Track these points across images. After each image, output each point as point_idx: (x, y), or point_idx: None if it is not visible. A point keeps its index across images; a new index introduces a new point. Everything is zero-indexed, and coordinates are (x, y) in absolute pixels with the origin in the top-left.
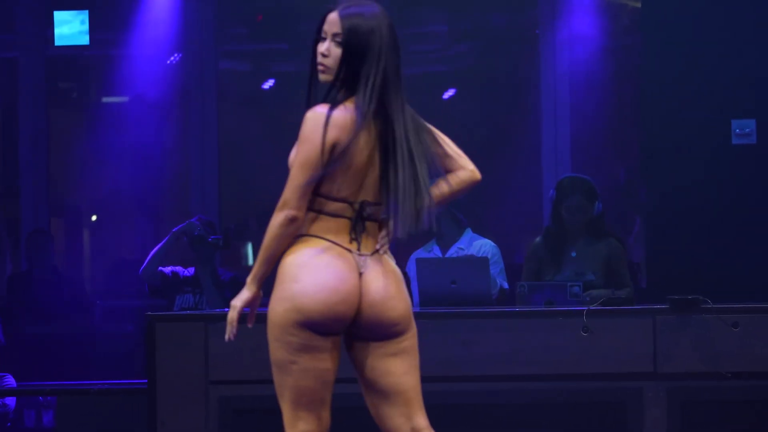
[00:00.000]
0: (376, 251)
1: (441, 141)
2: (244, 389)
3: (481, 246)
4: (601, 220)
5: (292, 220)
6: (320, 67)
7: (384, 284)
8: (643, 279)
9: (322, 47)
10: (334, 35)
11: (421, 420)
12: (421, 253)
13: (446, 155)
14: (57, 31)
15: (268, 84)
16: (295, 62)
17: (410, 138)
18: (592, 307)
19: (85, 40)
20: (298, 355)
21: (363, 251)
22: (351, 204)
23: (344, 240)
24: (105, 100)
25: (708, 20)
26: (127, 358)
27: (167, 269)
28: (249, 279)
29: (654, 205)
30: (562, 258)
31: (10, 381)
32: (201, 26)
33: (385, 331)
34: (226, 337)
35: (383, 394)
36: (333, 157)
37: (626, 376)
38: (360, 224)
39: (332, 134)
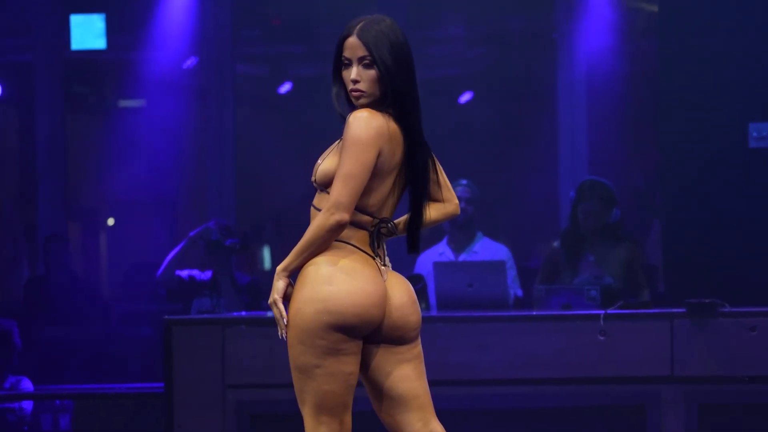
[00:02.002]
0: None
1: (437, 166)
2: (260, 393)
3: (496, 251)
4: (618, 226)
5: (343, 225)
6: (355, 94)
7: (404, 290)
8: (661, 282)
9: (352, 74)
10: (361, 59)
11: (437, 425)
12: (429, 254)
13: (438, 183)
14: (73, 35)
15: (285, 87)
16: (311, 66)
17: (428, 159)
18: (609, 311)
19: (101, 43)
20: (324, 359)
21: (386, 263)
22: (374, 218)
23: (368, 250)
24: (122, 103)
25: (725, 23)
26: (144, 361)
27: (184, 273)
28: (281, 269)
29: (671, 209)
30: (579, 261)
31: (27, 384)
32: (218, 30)
33: (406, 335)
34: (280, 334)
35: (400, 399)
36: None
37: (644, 380)
38: (378, 238)
39: (379, 140)
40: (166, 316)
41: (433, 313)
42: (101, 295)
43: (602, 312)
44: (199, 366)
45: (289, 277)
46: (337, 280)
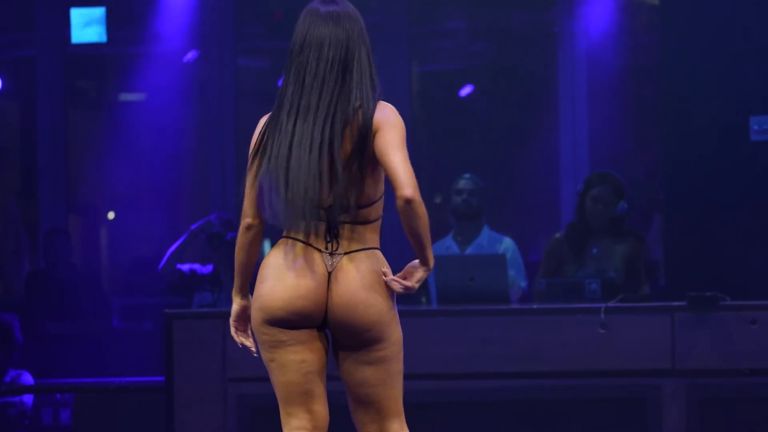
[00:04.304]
0: (354, 251)
1: (387, 154)
2: (262, 387)
3: (502, 244)
4: (624, 220)
5: (248, 228)
6: None
7: (353, 288)
8: (662, 276)
9: None
10: None
11: (395, 425)
12: (436, 249)
13: (389, 174)
14: (74, 28)
15: None
16: None
17: (333, 143)
18: (610, 304)
19: (102, 37)
20: (273, 352)
21: (338, 251)
22: (324, 209)
23: (316, 241)
24: (122, 97)
25: (727, 17)
26: (145, 355)
27: (185, 267)
28: (233, 293)
29: (673, 202)
30: (583, 254)
31: (28, 378)
32: (219, 23)
33: (356, 337)
34: (240, 345)
35: (357, 400)
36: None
37: (645, 373)
38: (333, 228)
39: (256, 141)
40: (167, 310)
41: (434, 306)
42: (102, 289)
43: (603, 305)
44: (200, 360)
45: (244, 294)
46: (267, 277)
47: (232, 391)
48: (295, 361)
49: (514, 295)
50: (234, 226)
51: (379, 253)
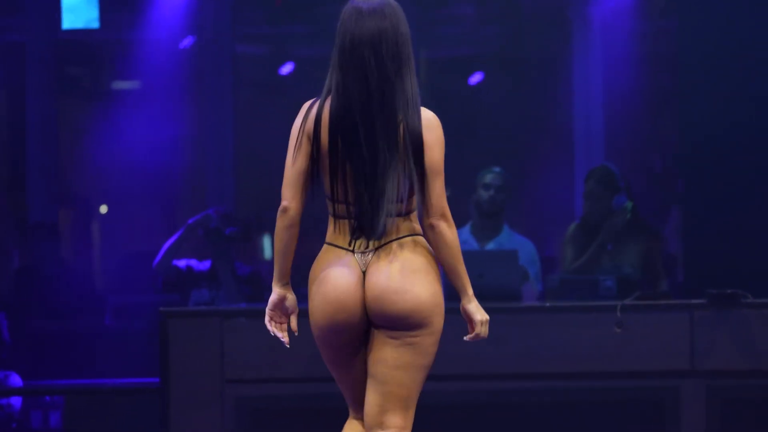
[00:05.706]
0: (389, 243)
1: (426, 178)
2: (260, 388)
3: (522, 245)
4: (633, 214)
5: (283, 211)
6: None
7: (386, 278)
8: (680, 272)
9: None
10: None
11: (396, 419)
12: None
13: (424, 197)
14: (65, 13)
15: (287, 68)
16: (314, 46)
17: (380, 148)
18: (626, 302)
19: (94, 22)
20: (340, 351)
21: (369, 247)
22: (349, 205)
23: (342, 242)
24: (116, 86)
25: (746, 1)
26: (139, 355)
27: (181, 263)
28: (273, 280)
29: (692, 196)
30: (596, 251)
31: (16, 380)
32: (217, 8)
33: (394, 324)
34: (272, 335)
35: (371, 376)
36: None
37: (662, 374)
38: (357, 226)
39: (303, 126)
40: (162, 308)
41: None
42: (94, 286)
43: (619, 303)
44: (197, 360)
45: (284, 284)
46: (312, 295)
47: (230, 393)
48: (362, 360)
49: (532, 294)
50: (233, 220)
51: (419, 238)
